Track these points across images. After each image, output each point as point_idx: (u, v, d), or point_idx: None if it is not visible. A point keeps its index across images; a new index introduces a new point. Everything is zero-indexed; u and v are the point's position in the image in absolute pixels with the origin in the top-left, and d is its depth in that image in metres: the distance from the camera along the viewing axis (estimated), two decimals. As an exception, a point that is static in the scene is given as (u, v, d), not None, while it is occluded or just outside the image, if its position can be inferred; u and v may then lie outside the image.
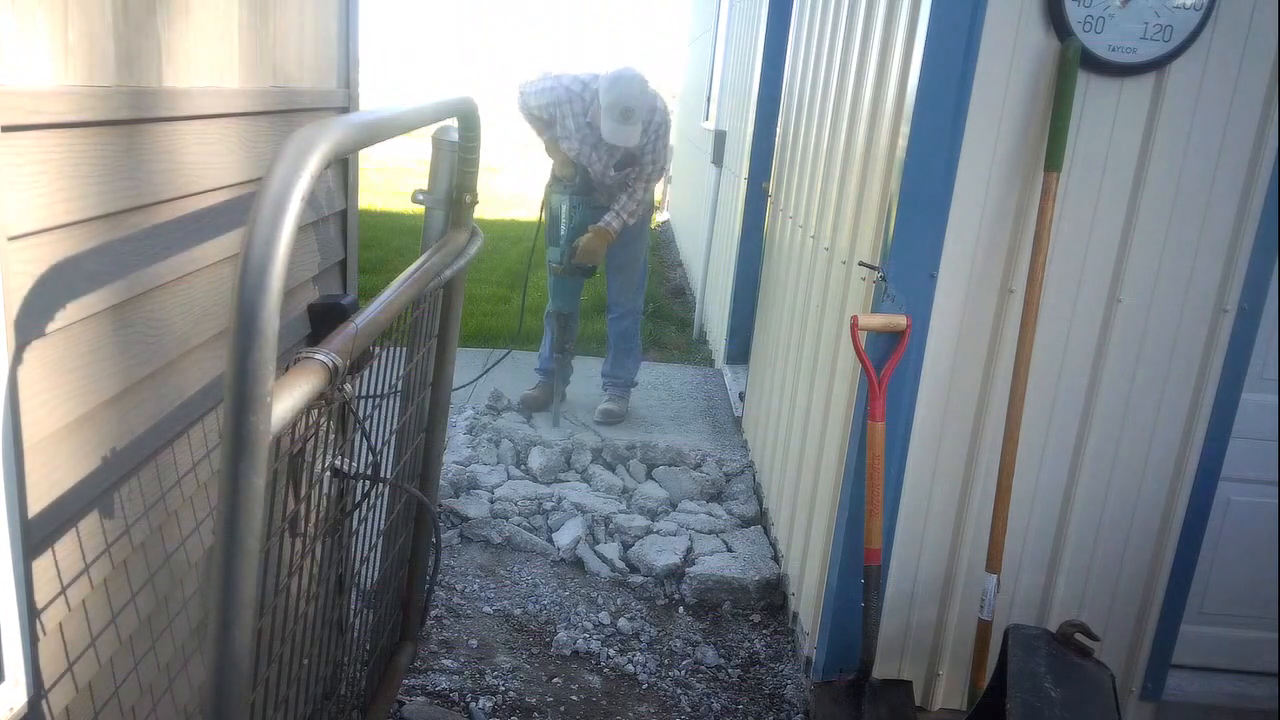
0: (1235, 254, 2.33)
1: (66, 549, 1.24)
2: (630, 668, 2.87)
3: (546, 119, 4.47)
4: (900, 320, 2.31)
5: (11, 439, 1.09)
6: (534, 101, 4.46)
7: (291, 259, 0.97)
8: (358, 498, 1.85)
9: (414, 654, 2.57)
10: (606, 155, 4.41)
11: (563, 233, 4.52)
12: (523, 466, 4.06)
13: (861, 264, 2.55)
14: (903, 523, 2.51)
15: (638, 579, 3.33)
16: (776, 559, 3.41)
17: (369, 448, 1.70)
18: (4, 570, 1.09)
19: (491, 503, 3.69)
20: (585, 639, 2.97)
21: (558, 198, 4.54)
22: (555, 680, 2.80)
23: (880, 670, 2.55)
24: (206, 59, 1.55)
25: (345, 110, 2.27)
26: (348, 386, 1.27)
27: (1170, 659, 2.63)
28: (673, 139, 12.10)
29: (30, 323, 1.13)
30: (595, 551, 3.45)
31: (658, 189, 4.33)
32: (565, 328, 4.68)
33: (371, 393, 1.77)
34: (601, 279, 4.93)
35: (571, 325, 4.71)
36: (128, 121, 1.32)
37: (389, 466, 2.03)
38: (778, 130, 4.44)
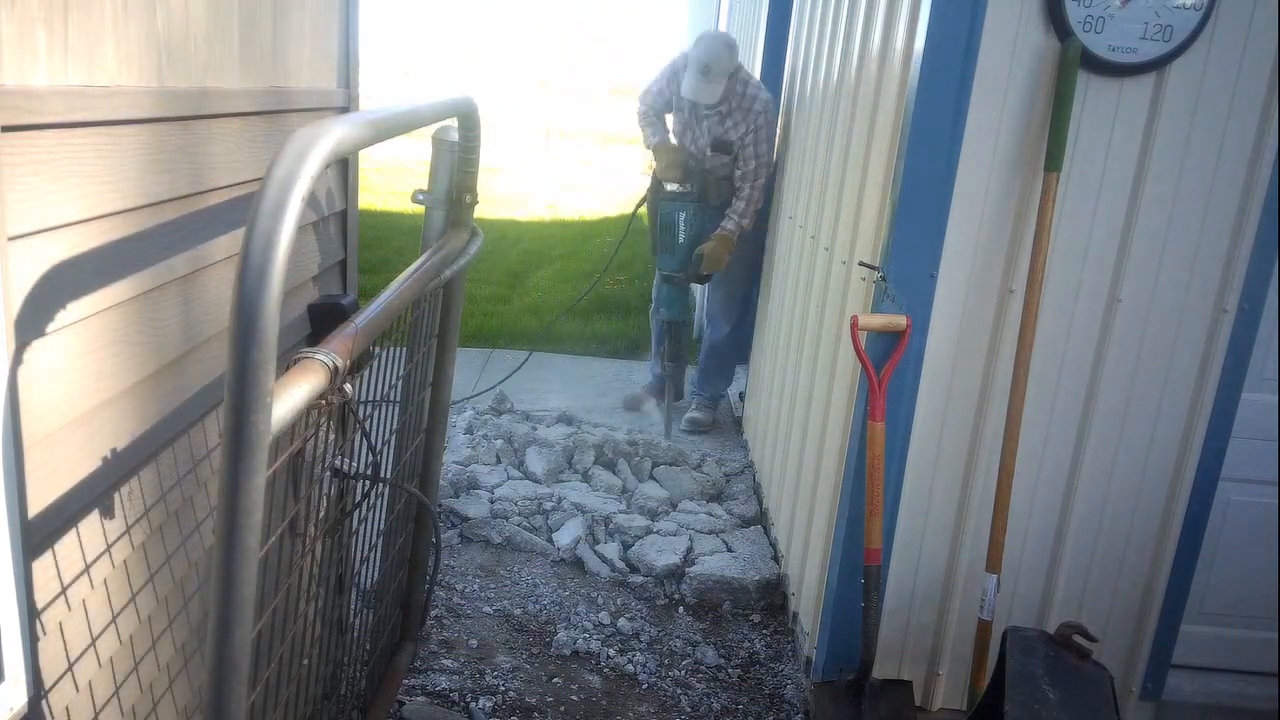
0: (1235, 254, 2.33)
1: (67, 549, 1.24)
2: (630, 668, 2.87)
3: (664, 105, 4.48)
4: (900, 320, 2.31)
5: (12, 439, 1.09)
6: (652, 93, 4.50)
7: (291, 259, 0.97)
8: (358, 498, 1.85)
9: (414, 654, 2.58)
10: (705, 131, 4.36)
11: (681, 241, 4.46)
12: (522, 467, 4.05)
13: (861, 264, 2.55)
14: (903, 523, 2.51)
15: (638, 579, 3.33)
16: (776, 559, 3.41)
17: (369, 448, 1.70)
18: (4, 570, 1.09)
19: (491, 503, 3.69)
20: (585, 639, 2.97)
21: (670, 206, 4.49)
22: (555, 680, 2.80)
23: (880, 670, 2.55)
24: (207, 59, 1.55)
25: (345, 110, 2.27)
26: (348, 387, 1.27)
27: (1170, 659, 2.63)
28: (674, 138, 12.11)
29: (30, 323, 1.13)
30: (595, 551, 3.45)
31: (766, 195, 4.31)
32: (677, 337, 4.63)
33: (372, 393, 1.78)
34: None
35: (684, 334, 4.67)
36: (127, 122, 1.32)
37: (389, 466, 2.03)
38: (778, 130, 4.44)
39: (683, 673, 2.89)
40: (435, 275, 1.84)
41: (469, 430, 4.39)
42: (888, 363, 2.32)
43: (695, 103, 4.30)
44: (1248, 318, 2.37)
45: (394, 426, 2.08)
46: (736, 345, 4.78)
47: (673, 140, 4.55)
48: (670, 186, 4.52)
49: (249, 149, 1.71)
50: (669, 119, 4.62)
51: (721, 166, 4.40)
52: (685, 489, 3.96)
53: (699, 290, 5.33)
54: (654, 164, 4.56)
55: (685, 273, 4.50)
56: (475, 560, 3.38)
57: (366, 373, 1.72)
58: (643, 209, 4.81)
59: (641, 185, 5.00)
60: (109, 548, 1.33)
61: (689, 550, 3.45)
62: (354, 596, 2.09)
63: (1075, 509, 2.51)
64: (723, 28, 7.26)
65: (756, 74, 5.14)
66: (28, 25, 1.10)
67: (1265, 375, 2.51)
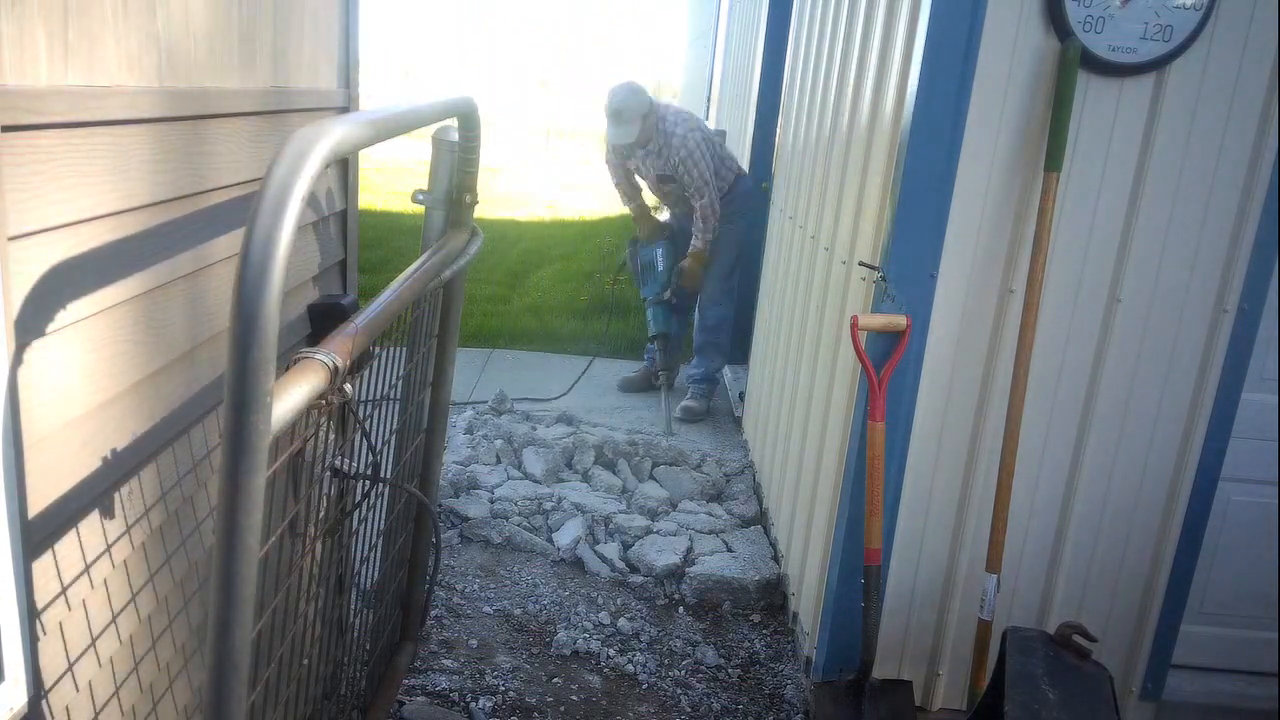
0: (1235, 254, 2.33)
1: (67, 549, 1.24)
2: (630, 668, 2.87)
3: (620, 162, 5.14)
4: (900, 320, 2.31)
5: (12, 439, 1.09)
6: (609, 149, 5.13)
7: (291, 259, 0.97)
8: (358, 498, 1.85)
9: (414, 654, 2.58)
10: (649, 169, 5.01)
11: (660, 270, 5.15)
12: (522, 467, 4.05)
13: (861, 264, 2.55)
14: (903, 523, 2.51)
15: (638, 579, 3.33)
16: (776, 559, 3.41)
17: (369, 448, 1.70)
18: (4, 570, 1.09)
19: (491, 503, 3.69)
20: (585, 639, 2.97)
21: (648, 249, 5.21)
22: (555, 680, 2.80)
23: (880, 670, 2.55)
24: (207, 59, 1.55)
25: (345, 110, 2.27)
26: (348, 386, 1.27)
27: (1170, 659, 2.63)
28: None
29: (30, 323, 1.13)
30: (595, 551, 3.44)
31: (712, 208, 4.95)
32: (666, 349, 5.15)
33: (372, 393, 1.78)
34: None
35: (673, 346, 5.21)
36: (128, 122, 1.32)
37: (389, 466, 2.03)
38: (778, 130, 4.44)
39: (683, 673, 2.89)
40: (435, 275, 1.84)
41: (469, 430, 4.39)
42: (888, 363, 2.32)
43: (632, 149, 4.93)
44: (1248, 318, 2.37)
45: (394, 426, 2.08)
46: (727, 323, 5.19)
47: (640, 183, 5.23)
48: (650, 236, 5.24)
49: (249, 149, 1.71)
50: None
51: (670, 195, 5.14)
52: (685, 489, 3.96)
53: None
54: (638, 230, 5.27)
55: (669, 291, 5.10)
56: (475, 560, 3.38)
57: (366, 373, 1.72)
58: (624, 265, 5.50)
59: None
60: (109, 548, 1.33)
61: (689, 550, 3.45)
62: (354, 596, 2.09)
63: (1075, 509, 2.51)
64: (722, 28, 7.27)
65: (756, 74, 5.16)
66: (28, 25, 1.10)
67: (1265, 375, 2.51)
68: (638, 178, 5.20)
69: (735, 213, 5.01)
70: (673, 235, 5.22)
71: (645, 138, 4.82)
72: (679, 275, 5.02)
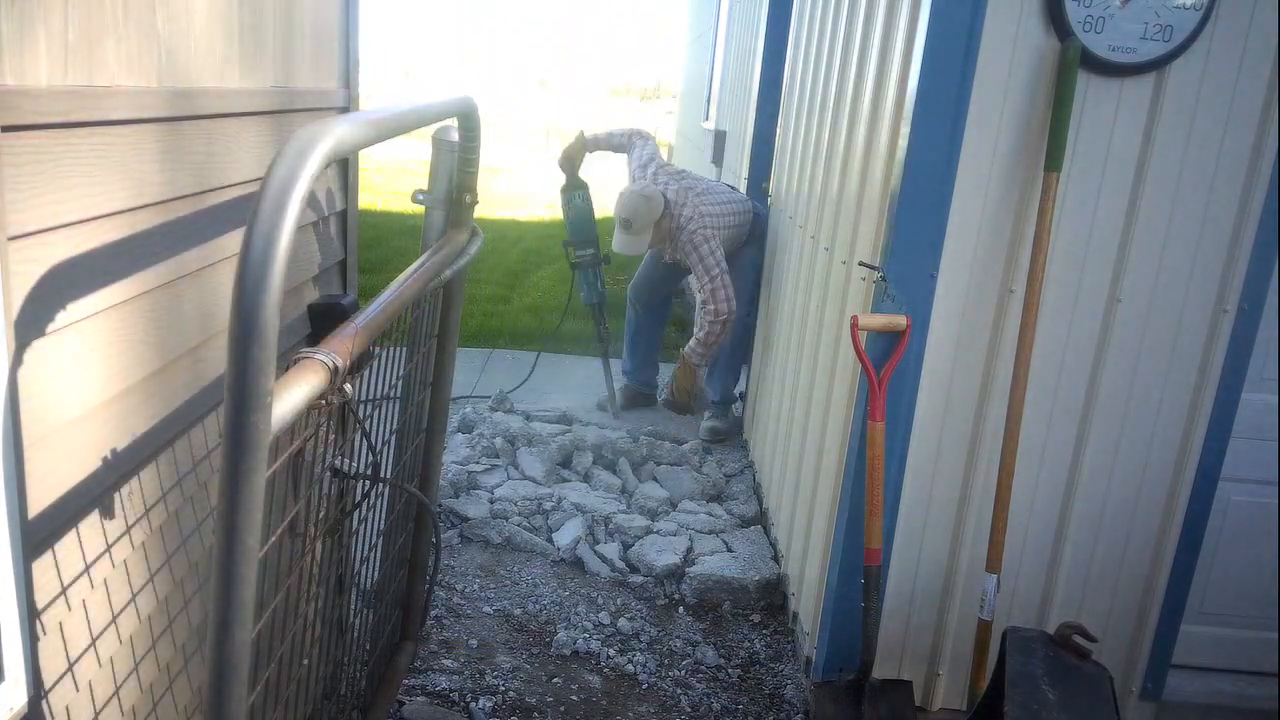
0: (1235, 254, 2.33)
1: (67, 549, 1.24)
2: (630, 668, 2.87)
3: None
4: (900, 320, 2.31)
5: (12, 439, 1.09)
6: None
7: (291, 259, 0.97)
8: (358, 498, 1.85)
9: (414, 654, 2.58)
10: (667, 257, 4.65)
11: (573, 219, 4.91)
12: (521, 467, 4.05)
13: (861, 264, 2.55)
14: (903, 523, 2.51)
15: (638, 579, 3.33)
16: (776, 559, 3.41)
17: (369, 448, 1.70)
18: (4, 570, 1.09)
19: (491, 503, 3.69)
20: (585, 639, 2.97)
21: (567, 197, 4.94)
22: (555, 680, 2.80)
23: (880, 670, 2.55)
24: (207, 58, 1.55)
25: (345, 110, 2.27)
26: (348, 387, 1.27)
27: (1170, 659, 2.63)
28: (673, 139, 12.10)
29: (30, 323, 1.13)
30: (595, 551, 3.44)
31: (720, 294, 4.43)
32: (599, 318, 4.96)
33: (372, 393, 1.78)
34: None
35: (601, 315, 4.98)
36: (128, 122, 1.32)
37: (389, 466, 2.03)
38: (778, 130, 4.44)
39: (683, 673, 2.89)
40: (435, 275, 1.84)
41: (468, 430, 4.39)
42: (888, 363, 2.32)
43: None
44: (1248, 318, 2.37)
45: (394, 426, 2.08)
46: (742, 344, 4.82)
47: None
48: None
49: (249, 148, 1.71)
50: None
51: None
52: (685, 489, 3.96)
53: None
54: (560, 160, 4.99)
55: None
56: (475, 560, 3.38)
57: (366, 373, 1.72)
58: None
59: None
60: (109, 548, 1.33)
61: (689, 550, 3.45)
62: (354, 596, 2.09)
63: (1075, 509, 2.51)
64: (722, 28, 7.26)
65: (756, 74, 5.14)
66: (28, 25, 1.10)
67: (1265, 375, 2.51)
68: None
69: (759, 235, 4.58)
70: (584, 187, 4.92)
71: (659, 239, 4.44)
72: (670, 391, 4.54)
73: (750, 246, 4.57)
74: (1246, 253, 2.33)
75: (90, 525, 1.29)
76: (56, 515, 1.21)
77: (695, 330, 4.52)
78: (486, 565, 3.36)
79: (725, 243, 4.41)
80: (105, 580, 1.33)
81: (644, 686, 2.81)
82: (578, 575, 3.35)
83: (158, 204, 1.41)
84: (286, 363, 1.20)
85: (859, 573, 2.41)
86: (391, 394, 1.96)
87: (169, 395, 1.49)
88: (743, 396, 4.79)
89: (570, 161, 4.93)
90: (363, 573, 2.05)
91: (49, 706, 1.22)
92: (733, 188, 4.89)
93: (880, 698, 2.47)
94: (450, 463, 3.95)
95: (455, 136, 1.99)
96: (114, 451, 1.33)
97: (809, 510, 2.97)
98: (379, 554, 2.12)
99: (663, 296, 5.00)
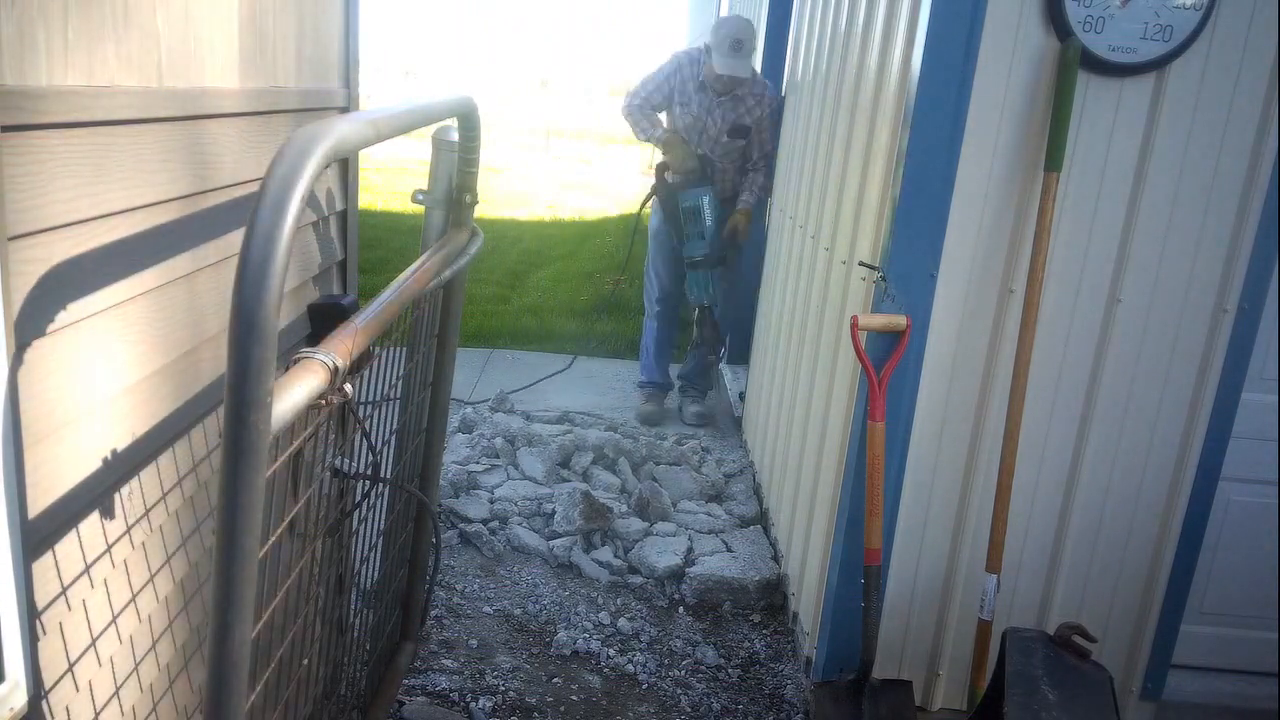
0: (1235, 254, 2.33)
1: (67, 549, 1.24)
2: (630, 668, 2.87)
3: (662, 100, 4.60)
4: (900, 320, 2.31)
5: (12, 439, 1.09)
6: (649, 88, 4.61)
7: (291, 259, 0.97)
8: (358, 498, 1.85)
9: (414, 654, 2.58)
10: (720, 119, 4.51)
11: (709, 224, 4.59)
12: (521, 467, 4.05)
13: (861, 264, 2.55)
14: (903, 523, 2.50)
15: (638, 580, 3.32)
16: (776, 559, 3.41)
17: (369, 448, 1.70)
18: (4, 570, 1.09)
19: (491, 503, 3.69)
20: (585, 639, 2.97)
21: (693, 193, 4.60)
22: (555, 680, 2.80)
23: (880, 670, 2.55)
24: (207, 59, 1.55)
25: (345, 110, 2.27)
26: (348, 387, 1.27)
27: (1170, 659, 2.63)
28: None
29: (30, 323, 1.13)
30: (591, 557, 3.44)
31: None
32: (710, 320, 4.74)
33: (372, 393, 1.78)
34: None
35: (714, 318, 4.78)
36: (127, 121, 1.32)
37: (389, 466, 2.03)
38: (781, 128, 4.44)
39: (683, 673, 2.89)
40: (435, 275, 1.84)
41: (469, 430, 4.39)
42: (888, 363, 2.32)
43: (704, 93, 4.44)
44: (1248, 318, 2.37)
45: (394, 426, 2.08)
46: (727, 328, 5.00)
47: (685, 126, 4.62)
48: (676, 178, 4.64)
49: (249, 149, 1.71)
50: (663, 118, 4.71)
51: (731, 154, 4.59)
52: (685, 489, 3.96)
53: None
54: (668, 158, 4.65)
55: (713, 255, 4.62)
56: (475, 560, 3.38)
57: (366, 373, 1.72)
58: (646, 208, 4.89)
59: (642, 185, 5.12)
60: (109, 548, 1.33)
61: (689, 551, 3.45)
62: (354, 596, 2.09)
63: (1075, 509, 2.51)
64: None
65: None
66: (28, 25, 1.10)
67: (1265, 375, 2.51)
68: (682, 125, 4.60)
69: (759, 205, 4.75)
70: (711, 183, 4.65)
71: (738, 82, 4.42)
72: (732, 231, 4.58)
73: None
74: (1246, 253, 2.33)
75: (90, 525, 1.29)
76: (56, 515, 1.21)
77: (748, 182, 4.59)
78: (486, 565, 3.36)
79: None
80: (105, 580, 1.33)
81: (644, 686, 2.81)
82: (577, 576, 3.35)
83: (158, 204, 1.41)
84: (286, 363, 1.20)
85: (859, 573, 2.41)
86: (391, 394, 1.96)
87: (169, 395, 1.49)
88: (743, 396, 4.79)
89: (695, 160, 4.64)
90: (363, 573, 2.06)
91: (49, 706, 1.22)
92: None
93: (880, 698, 2.47)
94: (450, 463, 3.95)
95: (455, 136, 1.99)
96: (114, 451, 1.33)
97: (809, 510, 2.97)
98: (379, 554, 2.12)
99: (676, 301, 4.98)
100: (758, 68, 4.71)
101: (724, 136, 4.55)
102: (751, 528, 3.69)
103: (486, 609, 3.11)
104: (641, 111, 4.64)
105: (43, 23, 1.13)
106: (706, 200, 4.57)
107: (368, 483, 1.78)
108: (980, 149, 2.27)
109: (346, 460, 1.67)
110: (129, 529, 1.38)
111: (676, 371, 5.08)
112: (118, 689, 1.39)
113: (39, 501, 1.17)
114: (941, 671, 2.61)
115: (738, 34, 4.28)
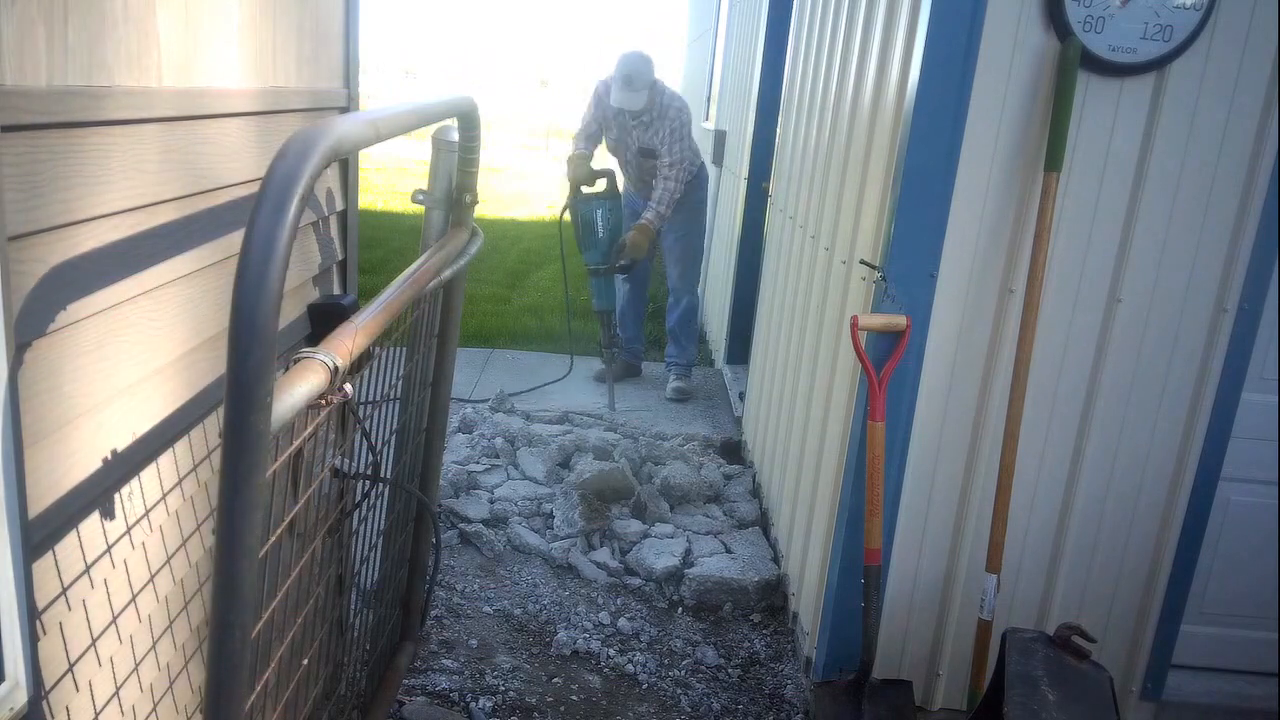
0: (1235, 254, 2.34)
1: (67, 549, 1.24)
2: (630, 668, 2.87)
3: (597, 129, 5.12)
4: (900, 320, 2.31)
5: (12, 439, 1.09)
6: (585, 119, 5.14)
7: (291, 259, 0.97)
8: (358, 498, 1.85)
9: (414, 654, 2.58)
10: (635, 140, 4.99)
11: (600, 235, 4.92)
12: (521, 466, 4.05)
13: (862, 262, 2.55)
14: (903, 523, 2.51)
15: (636, 581, 3.32)
16: (776, 560, 3.41)
17: (369, 448, 1.70)
18: (4, 570, 1.09)
19: (491, 503, 3.68)
20: (585, 639, 2.97)
21: (587, 205, 4.96)
22: (555, 680, 2.80)
23: (880, 670, 2.55)
24: (207, 58, 1.55)
25: (345, 110, 2.27)
26: (348, 386, 1.27)
27: (1170, 659, 2.63)
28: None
29: (30, 323, 1.13)
30: (589, 559, 3.44)
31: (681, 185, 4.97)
32: (608, 324, 5.05)
33: (372, 393, 1.78)
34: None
35: (613, 321, 5.11)
36: (127, 122, 1.32)
37: (389, 466, 2.03)
38: (778, 130, 4.44)
39: (683, 673, 2.89)
40: (435, 275, 1.84)
41: (469, 430, 4.39)
42: (888, 363, 2.32)
43: (622, 117, 4.94)
44: (1248, 318, 2.37)
45: (394, 426, 2.08)
46: (695, 309, 5.36)
47: (606, 155, 5.12)
48: (584, 189, 5.01)
49: (249, 149, 1.71)
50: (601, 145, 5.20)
51: (646, 171, 5.05)
52: (684, 490, 3.95)
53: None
54: (570, 172, 5.08)
55: (609, 264, 4.95)
56: (475, 560, 3.38)
57: (366, 373, 1.72)
58: (567, 216, 5.24)
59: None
60: (109, 548, 1.33)
61: (687, 553, 3.44)
62: (354, 596, 2.10)
63: (1075, 509, 2.51)
64: (722, 28, 7.26)
65: (756, 74, 5.16)
66: (27, 25, 1.10)
67: (1265, 375, 2.51)
68: (609, 147, 5.17)
69: (701, 200, 5.17)
70: (614, 196, 5.05)
71: (648, 106, 4.88)
72: (621, 248, 4.91)
73: (698, 211, 5.15)
74: (1246, 253, 2.33)
75: (90, 525, 1.29)
76: (57, 515, 1.21)
77: (654, 195, 4.88)
78: (486, 565, 3.36)
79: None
80: (105, 580, 1.33)
81: (644, 686, 2.81)
82: (577, 576, 3.35)
83: (158, 204, 1.41)
84: (286, 363, 1.20)
85: (859, 573, 2.41)
86: (391, 394, 1.96)
87: (170, 395, 1.49)
88: (743, 396, 4.79)
89: (586, 171, 5.04)
90: (363, 573, 2.06)
91: (49, 706, 1.22)
92: None
93: (880, 697, 2.47)
94: (450, 463, 3.95)
95: (455, 136, 1.99)
96: (114, 451, 1.33)
97: (809, 510, 2.97)
98: (379, 554, 2.12)
99: (644, 267, 5.30)
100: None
101: (636, 156, 5.06)
102: (750, 529, 3.68)
103: (486, 609, 3.11)
104: (579, 139, 5.15)
105: (43, 23, 1.13)
106: (599, 213, 4.92)
107: (368, 483, 1.78)
108: (980, 149, 2.27)
109: (346, 460, 1.67)
110: (129, 529, 1.38)
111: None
112: (118, 689, 1.39)
113: (39, 501, 1.17)
114: (941, 671, 2.61)
115: (627, 70, 4.75)
